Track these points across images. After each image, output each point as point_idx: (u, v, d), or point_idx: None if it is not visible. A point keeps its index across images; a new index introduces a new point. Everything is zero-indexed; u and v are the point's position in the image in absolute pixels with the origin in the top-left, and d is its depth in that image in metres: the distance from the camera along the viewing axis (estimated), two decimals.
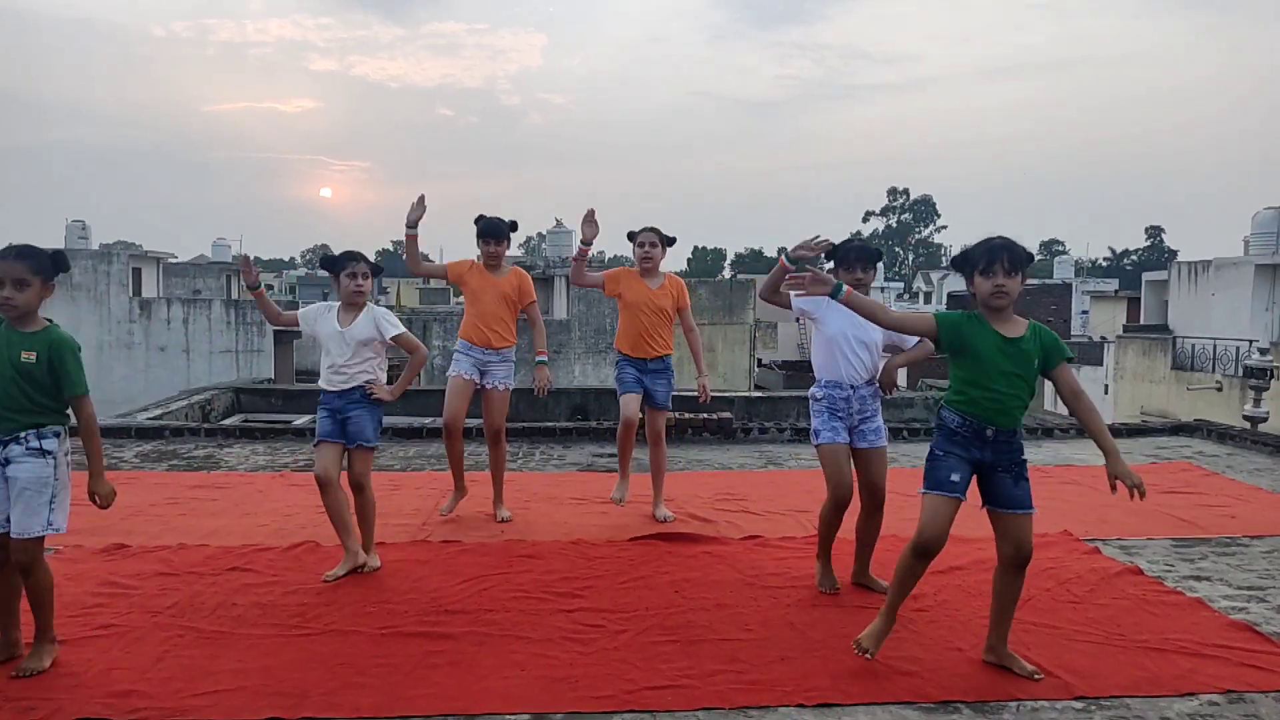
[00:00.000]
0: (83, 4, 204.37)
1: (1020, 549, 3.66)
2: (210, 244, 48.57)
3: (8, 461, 3.59)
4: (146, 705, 3.35)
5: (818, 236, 4.41)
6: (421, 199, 5.59)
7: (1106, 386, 28.79)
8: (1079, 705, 3.48)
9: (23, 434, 3.60)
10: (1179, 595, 4.67)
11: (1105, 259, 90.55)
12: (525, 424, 9.56)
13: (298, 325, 5.09)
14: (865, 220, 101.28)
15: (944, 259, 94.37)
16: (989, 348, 3.56)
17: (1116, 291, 45.97)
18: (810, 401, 4.65)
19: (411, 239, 5.61)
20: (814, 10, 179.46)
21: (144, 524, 5.85)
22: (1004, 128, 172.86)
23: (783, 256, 4.31)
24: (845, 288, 3.75)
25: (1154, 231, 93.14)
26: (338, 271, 4.95)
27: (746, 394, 17.02)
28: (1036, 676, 3.65)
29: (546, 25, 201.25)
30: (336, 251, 5.06)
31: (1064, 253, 76.39)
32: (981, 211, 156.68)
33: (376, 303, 5.82)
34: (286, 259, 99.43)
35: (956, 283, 61.50)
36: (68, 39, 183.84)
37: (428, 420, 10.45)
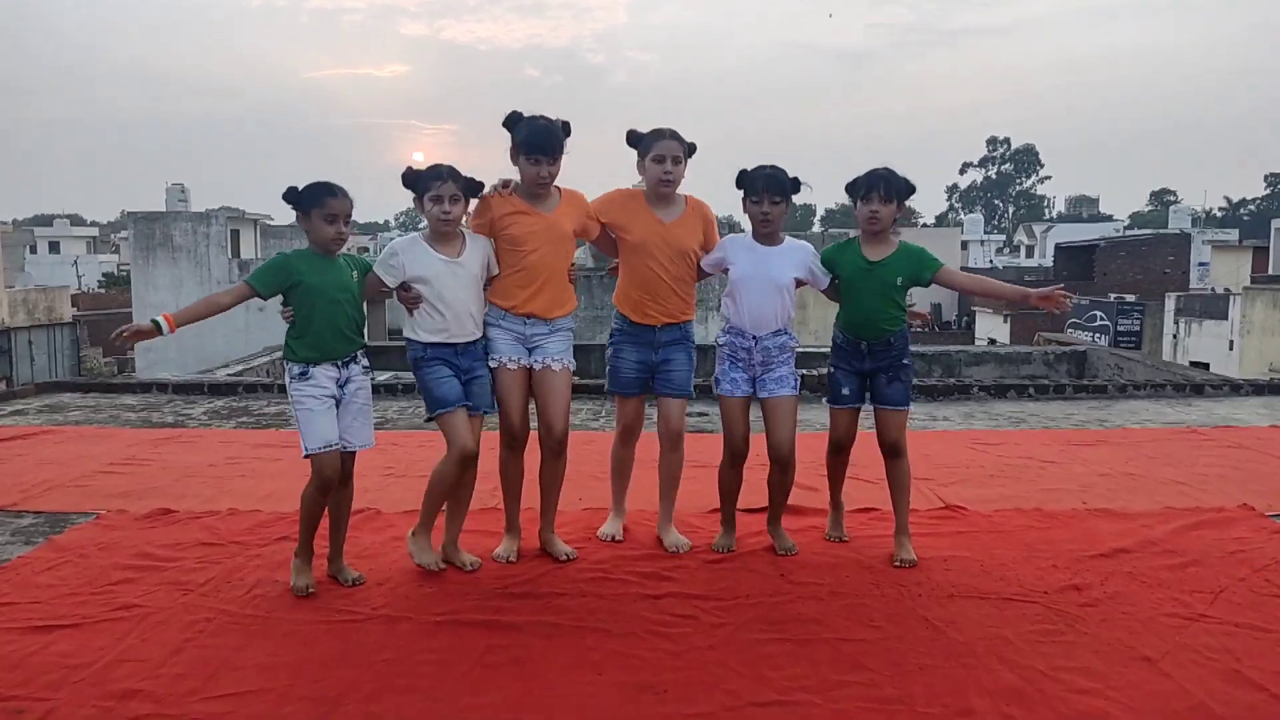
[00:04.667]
0: None
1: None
2: None
3: (348, 381, 3.69)
4: (149, 711, 2.80)
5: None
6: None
7: (1232, 342, 26.79)
8: None
9: (357, 353, 3.73)
10: None
11: (1221, 209, 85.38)
12: (601, 380, 8.84)
13: (383, 287, 3.88)
14: (963, 172, 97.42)
15: (1047, 211, 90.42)
16: None
17: (1240, 241, 42.97)
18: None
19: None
20: None
21: (197, 486, 5.40)
22: (1111, 72, 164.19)
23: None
24: None
25: (1274, 179, 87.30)
26: (421, 194, 3.78)
27: None
28: None
29: None
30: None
31: (1177, 202, 72.14)
32: (1088, 161, 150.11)
33: None
34: (380, 222, 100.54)
35: (1062, 233, 58.30)
36: (166, 12, 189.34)
37: None
